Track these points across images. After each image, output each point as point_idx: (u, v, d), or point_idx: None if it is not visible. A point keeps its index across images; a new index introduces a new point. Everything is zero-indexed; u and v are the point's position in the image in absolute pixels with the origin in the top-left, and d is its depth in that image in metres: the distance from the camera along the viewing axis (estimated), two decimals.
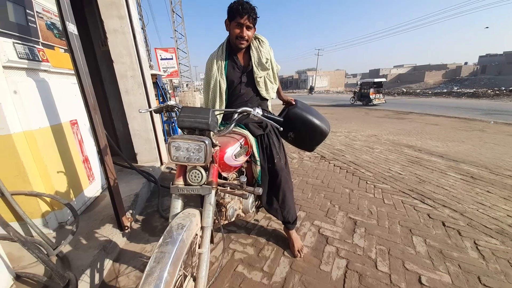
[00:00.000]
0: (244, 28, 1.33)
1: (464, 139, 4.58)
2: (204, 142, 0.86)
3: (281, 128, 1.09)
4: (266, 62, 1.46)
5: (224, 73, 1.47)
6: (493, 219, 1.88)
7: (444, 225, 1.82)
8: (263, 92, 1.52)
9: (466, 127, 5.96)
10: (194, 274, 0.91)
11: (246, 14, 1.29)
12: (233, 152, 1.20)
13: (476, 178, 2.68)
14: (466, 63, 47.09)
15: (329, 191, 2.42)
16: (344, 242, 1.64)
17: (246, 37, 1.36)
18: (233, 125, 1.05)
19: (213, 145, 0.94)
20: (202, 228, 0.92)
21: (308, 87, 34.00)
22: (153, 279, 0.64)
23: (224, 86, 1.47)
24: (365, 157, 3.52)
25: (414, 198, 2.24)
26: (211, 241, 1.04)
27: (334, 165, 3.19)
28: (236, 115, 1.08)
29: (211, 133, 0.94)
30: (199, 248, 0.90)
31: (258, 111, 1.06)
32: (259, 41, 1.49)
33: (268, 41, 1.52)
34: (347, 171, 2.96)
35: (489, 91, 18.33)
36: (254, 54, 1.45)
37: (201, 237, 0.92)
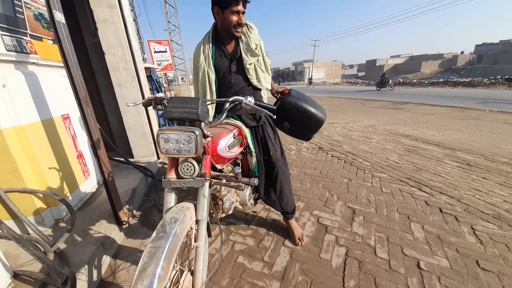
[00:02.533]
0: (241, 14, 1.27)
1: (460, 128, 4.61)
2: (194, 133, 0.83)
3: (275, 116, 1.06)
4: (255, 48, 1.39)
5: (211, 63, 1.40)
6: (489, 204, 1.91)
7: (441, 211, 1.84)
8: (254, 81, 1.44)
9: (462, 115, 5.99)
10: (192, 268, 0.89)
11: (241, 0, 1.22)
12: (226, 143, 1.17)
13: (472, 165, 2.70)
14: (462, 53, 47.00)
15: (327, 181, 2.42)
16: (343, 231, 1.65)
17: (243, 24, 1.31)
18: (224, 115, 1.02)
19: (204, 136, 0.91)
20: (197, 221, 0.90)
21: (307, 79, 33.49)
22: (147, 275, 0.63)
23: (212, 76, 1.41)
24: (362, 147, 3.53)
25: (411, 186, 2.25)
26: (209, 235, 1.03)
27: (332, 156, 3.20)
28: (227, 104, 1.05)
29: (202, 123, 0.91)
30: (195, 241, 0.88)
31: (250, 100, 1.03)
32: (247, 26, 1.42)
33: (257, 28, 1.45)
34: (345, 161, 2.96)
35: (485, 80, 18.38)
36: (242, 40, 1.38)
37: (197, 230, 0.90)
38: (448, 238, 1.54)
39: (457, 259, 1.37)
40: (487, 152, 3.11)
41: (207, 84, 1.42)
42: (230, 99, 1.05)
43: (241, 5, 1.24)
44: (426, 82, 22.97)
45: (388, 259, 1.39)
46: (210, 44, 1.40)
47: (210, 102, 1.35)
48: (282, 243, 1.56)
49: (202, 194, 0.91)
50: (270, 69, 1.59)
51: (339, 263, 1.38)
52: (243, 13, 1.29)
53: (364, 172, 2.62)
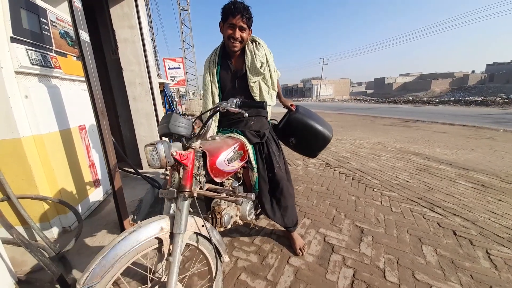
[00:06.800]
0: (237, 29, 1.28)
1: (473, 147, 4.47)
2: (155, 146, 0.86)
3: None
4: (260, 67, 1.38)
5: (216, 78, 1.43)
6: (505, 227, 1.81)
7: (455, 234, 1.75)
8: (257, 98, 1.44)
9: (475, 135, 5.84)
10: (163, 280, 0.90)
11: (238, 13, 1.24)
12: (226, 157, 1.18)
13: (487, 187, 2.59)
14: (473, 72, 46.60)
15: (334, 199, 2.37)
16: (350, 251, 1.59)
17: (239, 38, 1.30)
18: (207, 124, 0.99)
19: (186, 148, 0.95)
20: (172, 234, 0.88)
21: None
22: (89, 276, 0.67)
23: (216, 91, 1.44)
24: (371, 165, 3.47)
25: (423, 207, 2.17)
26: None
27: (339, 172, 3.15)
28: (211, 112, 1.01)
29: (184, 137, 0.94)
30: (169, 255, 0.86)
31: (235, 101, 1.00)
32: (256, 43, 1.43)
33: (266, 43, 1.45)
34: (353, 179, 2.91)
35: (498, 99, 18.02)
36: (248, 58, 1.38)
37: (171, 244, 0.88)
38: (462, 263, 1.46)
39: (471, 286, 1.29)
40: (502, 173, 2.99)
41: (210, 97, 1.44)
42: (214, 106, 1.06)
43: (238, 18, 1.25)
44: (437, 100, 22.70)
45: (399, 284, 1.32)
46: (217, 59, 1.44)
47: (198, 116, 1.29)
48: (287, 261, 1.51)
49: (178, 207, 0.90)
50: (278, 82, 1.57)
51: (346, 285, 1.32)
52: (242, 28, 1.29)
53: (373, 190, 2.56)
